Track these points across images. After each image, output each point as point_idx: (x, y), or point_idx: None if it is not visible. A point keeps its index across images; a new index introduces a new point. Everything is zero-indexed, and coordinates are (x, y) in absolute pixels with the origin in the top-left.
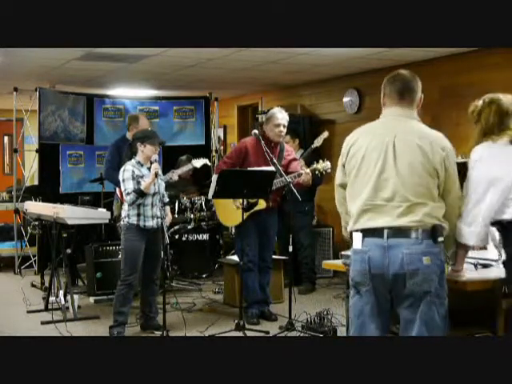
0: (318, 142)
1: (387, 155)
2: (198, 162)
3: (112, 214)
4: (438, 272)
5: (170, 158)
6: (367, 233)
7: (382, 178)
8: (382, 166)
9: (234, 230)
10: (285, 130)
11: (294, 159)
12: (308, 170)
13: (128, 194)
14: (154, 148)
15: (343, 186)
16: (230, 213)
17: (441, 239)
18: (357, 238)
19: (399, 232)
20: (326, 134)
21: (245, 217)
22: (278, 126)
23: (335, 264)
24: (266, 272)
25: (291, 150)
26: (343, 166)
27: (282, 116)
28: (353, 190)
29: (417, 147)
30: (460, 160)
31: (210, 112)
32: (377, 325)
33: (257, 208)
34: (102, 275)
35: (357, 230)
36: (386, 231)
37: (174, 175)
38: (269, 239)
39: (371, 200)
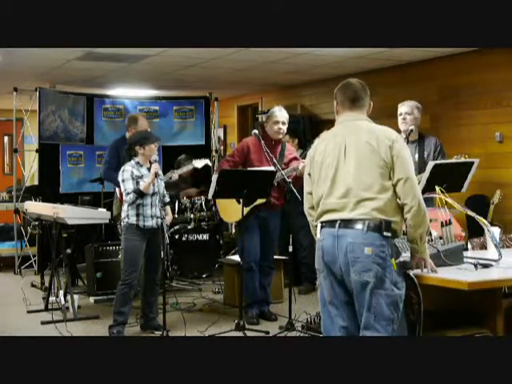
0: None
1: (340, 156)
2: (199, 163)
3: (112, 213)
4: (380, 263)
5: (170, 158)
6: (325, 224)
7: (336, 178)
8: (335, 166)
9: (234, 230)
10: (284, 128)
11: (295, 158)
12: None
13: (128, 194)
14: (154, 146)
15: (312, 194)
16: (231, 208)
17: (387, 234)
18: (318, 230)
19: (348, 223)
20: None
21: (246, 213)
22: (277, 123)
23: None
24: (267, 273)
25: (293, 149)
26: (309, 174)
27: (280, 114)
28: (316, 193)
29: (365, 143)
30: (462, 160)
31: (210, 112)
32: (341, 315)
33: (256, 203)
34: (102, 275)
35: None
36: (338, 222)
37: (175, 175)
38: (271, 240)
39: (329, 200)
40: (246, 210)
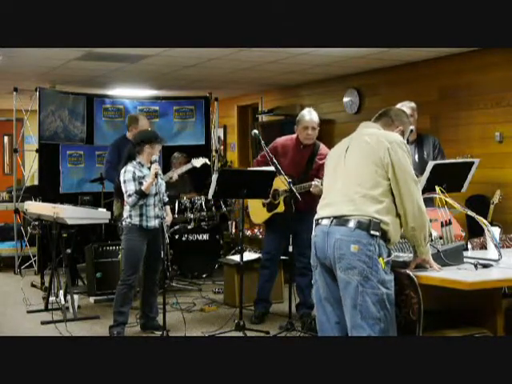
0: None
1: (341, 154)
2: (198, 162)
3: (112, 214)
4: (366, 261)
5: (170, 158)
6: (320, 220)
7: (336, 174)
8: (336, 164)
9: (234, 230)
10: (314, 133)
11: None
12: (316, 182)
13: (129, 195)
14: (160, 148)
15: None
16: (258, 210)
17: (375, 233)
18: (313, 227)
19: (339, 220)
20: None
21: (268, 217)
22: (306, 128)
23: None
24: (303, 274)
25: (325, 154)
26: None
27: (310, 119)
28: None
29: (364, 143)
30: (462, 160)
31: (210, 112)
32: (335, 311)
33: (276, 211)
34: (102, 275)
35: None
36: (330, 219)
37: (175, 175)
38: (302, 242)
39: (327, 194)
40: (269, 215)
